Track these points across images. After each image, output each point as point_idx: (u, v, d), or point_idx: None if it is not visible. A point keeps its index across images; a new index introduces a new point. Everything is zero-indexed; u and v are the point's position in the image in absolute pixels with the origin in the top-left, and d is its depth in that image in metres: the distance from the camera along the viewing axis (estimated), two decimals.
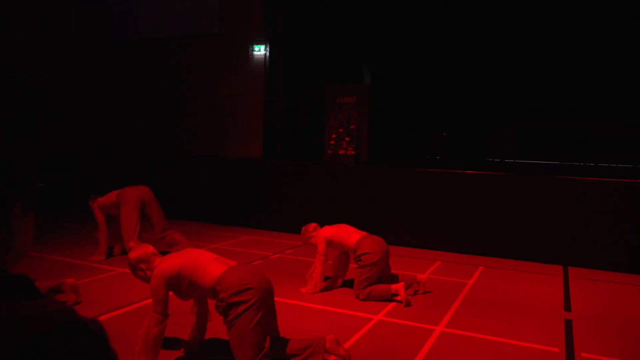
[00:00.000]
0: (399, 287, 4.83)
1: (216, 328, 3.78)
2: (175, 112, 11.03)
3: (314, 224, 5.34)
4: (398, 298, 4.87)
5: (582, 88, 9.81)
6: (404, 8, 10.54)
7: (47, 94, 11.88)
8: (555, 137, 10.18)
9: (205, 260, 3.20)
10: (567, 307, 5.01)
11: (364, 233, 5.18)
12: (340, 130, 8.74)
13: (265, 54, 10.23)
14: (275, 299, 4.92)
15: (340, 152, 8.70)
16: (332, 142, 8.78)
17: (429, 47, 10.65)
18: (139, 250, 3.32)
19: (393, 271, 5.28)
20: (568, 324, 4.51)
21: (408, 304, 4.78)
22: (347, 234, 5.12)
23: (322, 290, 5.19)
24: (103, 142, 11.53)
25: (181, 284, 3.20)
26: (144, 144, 11.09)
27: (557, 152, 10.11)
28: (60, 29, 11.83)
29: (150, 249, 3.34)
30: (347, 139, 8.67)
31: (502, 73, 10.38)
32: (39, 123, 11.64)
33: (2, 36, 10.98)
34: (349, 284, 5.53)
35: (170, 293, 3.25)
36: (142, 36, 11.36)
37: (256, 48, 10.28)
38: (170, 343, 3.74)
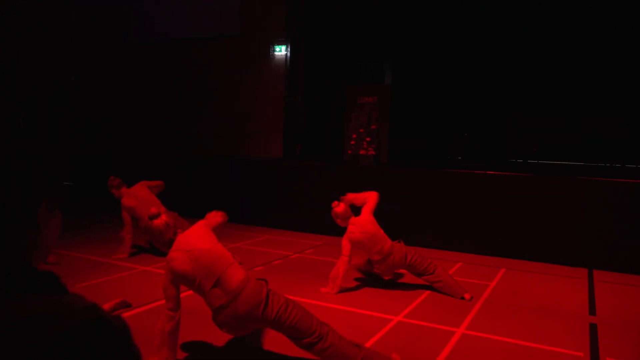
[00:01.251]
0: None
1: None
2: (196, 113, 11.15)
3: (347, 210, 5.22)
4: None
5: (610, 88, 9.61)
6: (426, 8, 10.47)
7: (73, 95, 12.11)
8: (580, 138, 9.99)
9: (214, 278, 3.17)
10: (592, 310, 4.91)
11: (388, 247, 5.08)
12: (361, 130, 8.72)
13: (286, 54, 10.26)
14: (295, 298, 4.93)
15: (361, 153, 8.67)
16: (352, 143, 8.77)
17: (450, 46, 10.55)
18: (167, 223, 3.34)
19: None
20: (593, 328, 4.42)
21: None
22: (372, 249, 5.08)
23: (341, 291, 5.18)
24: (125, 142, 11.71)
25: (191, 285, 3.24)
26: (165, 144, 11.23)
27: (581, 153, 9.92)
28: (82, 31, 12.04)
29: (176, 231, 3.36)
30: (367, 139, 8.64)
31: (525, 72, 10.23)
32: (65, 123, 11.88)
33: (28, 39, 11.23)
34: (368, 284, 5.51)
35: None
36: (163, 37, 11.50)
37: (277, 48, 10.32)
38: (190, 343, 3.79)
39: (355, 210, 5.36)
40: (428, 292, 5.25)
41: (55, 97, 11.81)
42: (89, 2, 11.99)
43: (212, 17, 10.93)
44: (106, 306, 3.67)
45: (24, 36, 11.06)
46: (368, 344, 3.83)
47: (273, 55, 10.39)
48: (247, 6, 10.61)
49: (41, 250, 0.88)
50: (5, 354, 0.68)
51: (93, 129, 12.06)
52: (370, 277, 5.58)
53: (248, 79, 10.65)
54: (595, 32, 9.41)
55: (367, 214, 5.21)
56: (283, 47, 10.27)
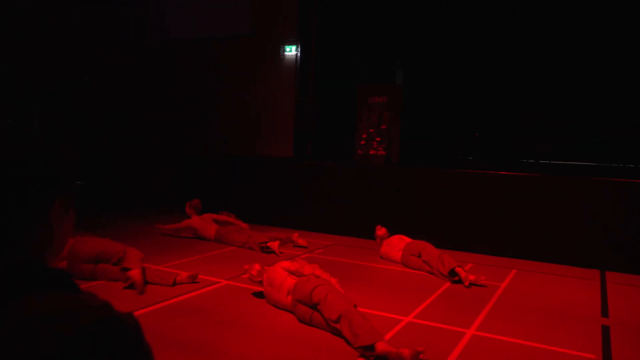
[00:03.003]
0: None
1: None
2: (207, 113, 11.19)
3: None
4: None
5: (623, 88, 9.50)
6: (438, 8, 10.42)
7: (86, 95, 12.22)
8: (595, 138, 9.89)
9: None
10: (605, 312, 4.86)
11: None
12: (371, 130, 8.70)
13: (296, 54, 10.27)
14: None
15: (371, 153, 8.66)
16: (362, 142, 8.75)
17: (462, 47, 10.50)
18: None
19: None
20: (605, 330, 4.37)
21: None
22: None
23: (351, 291, 5.18)
24: (137, 142, 11.79)
25: None
26: (177, 145, 11.29)
27: (594, 154, 9.81)
28: (92, 31, 12.12)
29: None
30: (377, 139, 8.62)
31: (537, 72, 10.15)
32: (78, 123, 11.99)
33: (42, 41, 11.35)
34: (377, 284, 5.50)
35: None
36: (175, 38, 11.56)
37: (288, 48, 10.34)
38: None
39: None
40: (438, 292, 5.23)
41: (68, 97, 11.92)
42: (107, 2, 12.05)
43: (223, 18, 10.97)
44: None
45: (26, 37, 11.17)
46: None
47: (284, 55, 10.40)
48: (257, 6, 10.64)
49: (54, 249, 0.89)
50: (18, 353, 0.69)
51: (106, 129, 12.15)
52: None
53: (258, 79, 10.67)
54: (597, 32, 9.32)
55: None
56: (294, 47, 10.28)
